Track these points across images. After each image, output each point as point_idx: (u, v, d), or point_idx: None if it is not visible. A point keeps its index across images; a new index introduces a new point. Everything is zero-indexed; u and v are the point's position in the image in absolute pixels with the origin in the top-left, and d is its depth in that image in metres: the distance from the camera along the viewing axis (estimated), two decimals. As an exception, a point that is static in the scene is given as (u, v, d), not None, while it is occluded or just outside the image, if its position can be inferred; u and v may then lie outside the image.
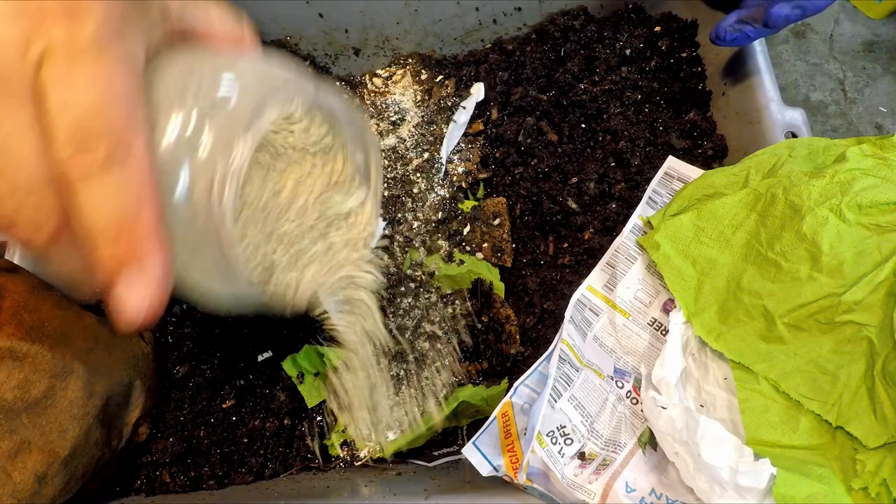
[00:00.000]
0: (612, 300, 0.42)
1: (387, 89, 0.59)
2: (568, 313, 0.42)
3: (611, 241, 0.45)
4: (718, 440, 0.31)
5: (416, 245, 0.51)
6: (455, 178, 0.54)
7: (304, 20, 0.59)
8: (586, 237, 0.49)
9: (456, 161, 0.55)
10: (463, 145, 0.56)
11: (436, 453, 0.46)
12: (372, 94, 0.59)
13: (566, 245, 0.50)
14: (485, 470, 0.38)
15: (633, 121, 0.53)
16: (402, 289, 0.50)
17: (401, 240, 0.52)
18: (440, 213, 0.52)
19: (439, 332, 0.49)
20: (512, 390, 0.41)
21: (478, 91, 0.57)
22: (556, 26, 0.59)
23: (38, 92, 0.18)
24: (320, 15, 0.59)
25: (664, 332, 0.40)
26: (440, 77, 0.59)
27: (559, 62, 0.57)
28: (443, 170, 0.54)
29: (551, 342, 0.42)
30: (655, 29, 0.56)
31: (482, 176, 0.54)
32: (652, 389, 0.36)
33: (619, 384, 0.40)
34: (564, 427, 0.38)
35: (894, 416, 0.31)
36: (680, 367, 0.36)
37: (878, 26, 0.91)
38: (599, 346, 0.42)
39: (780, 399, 0.34)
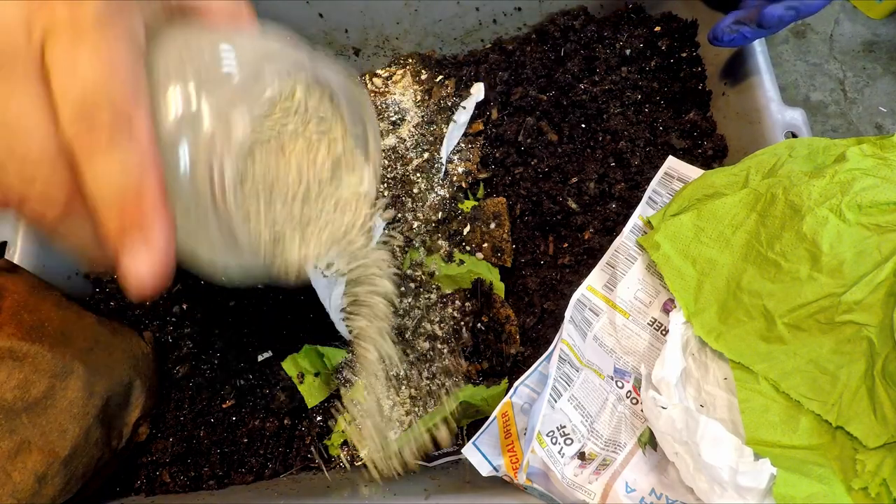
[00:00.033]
0: (612, 300, 0.42)
1: (387, 89, 0.59)
2: (568, 313, 0.42)
3: (611, 241, 0.45)
4: (718, 440, 0.31)
5: (416, 245, 0.51)
6: (455, 178, 0.54)
7: (304, 20, 0.59)
8: (586, 237, 0.49)
9: (456, 161, 0.55)
10: (463, 145, 0.56)
11: (436, 453, 0.46)
12: (372, 95, 0.59)
13: (566, 245, 0.50)
14: (485, 470, 0.38)
15: (633, 121, 0.53)
16: (402, 289, 0.50)
17: (401, 240, 0.52)
18: (440, 213, 0.52)
19: (439, 332, 0.49)
20: (512, 390, 0.41)
21: (478, 91, 0.57)
22: (556, 26, 0.59)
23: (44, 71, 0.18)
24: (320, 15, 0.59)
25: (664, 332, 0.40)
26: (440, 77, 0.59)
27: (559, 62, 0.57)
28: (443, 170, 0.54)
29: (551, 342, 0.42)
30: (655, 29, 0.56)
31: (482, 176, 0.54)
32: (652, 389, 0.36)
33: (619, 384, 0.40)
34: (564, 427, 0.38)
35: (894, 416, 0.31)
36: (680, 367, 0.36)
37: (878, 26, 0.91)
38: (599, 346, 0.42)
39: (780, 399, 0.34)
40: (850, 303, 0.33)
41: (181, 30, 0.23)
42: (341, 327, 0.49)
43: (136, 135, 0.19)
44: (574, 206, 0.50)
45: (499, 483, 0.39)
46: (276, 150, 0.26)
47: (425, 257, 0.51)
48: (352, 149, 0.29)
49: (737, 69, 0.49)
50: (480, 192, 0.55)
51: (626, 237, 0.44)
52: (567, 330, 0.41)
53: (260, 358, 0.49)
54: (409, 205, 0.53)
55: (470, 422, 0.47)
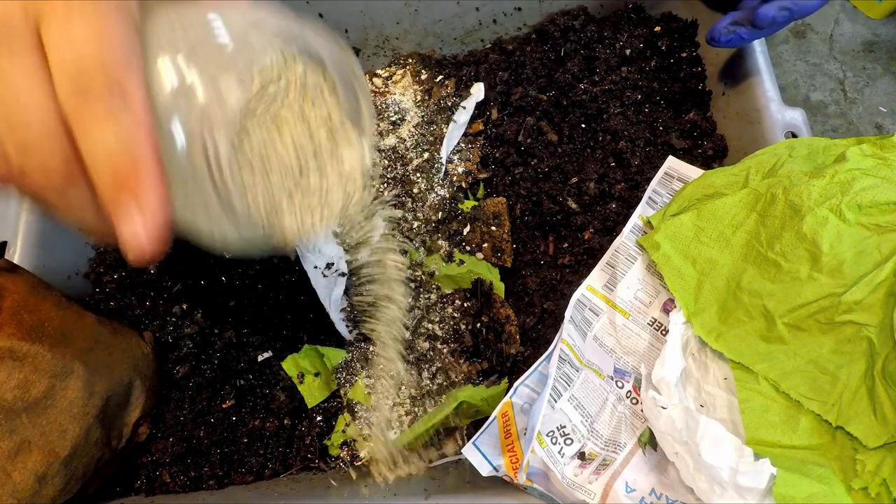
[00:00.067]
0: (612, 300, 0.42)
1: (387, 89, 0.59)
2: (568, 313, 0.42)
3: (611, 241, 0.45)
4: (718, 440, 0.31)
5: (416, 245, 0.51)
6: (455, 178, 0.54)
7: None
8: (586, 237, 0.49)
9: (456, 161, 0.55)
10: (463, 145, 0.56)
11: (436, 454, 0.46)
12: (372, 94, 0.59)
13: (566, 245, 0.50)
14: (485, 470, 0.38)
15: (633, 121, 0.53)
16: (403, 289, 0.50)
17: (401, 239, 0.52)
18: (440, 213, 0.52)
19: (439, 332, 0.49)
20: (512, 390, 0.41)
21: (478, 91, 0.57)
22: (556, 26, 0.59)
23: (40, 46, 0.19)
24: (320, 15, 0.59)
25: (664, 332, 0.40)
26: (440, 77, 0.59)
27: (559, 62, 0.57)
28: (443, 170, 0.54)
29: (551, 342, 0.42)
30: (655, 29, 0.56)
31: (482, 176, 0.54)
32: (652, 389, 0.36)
33: (619, 384, 0.40)
34: (564, 427, 0.38)
35: (894, 416, 0.31)
36: (680, 367, 0.36)
37: (878, 26, 0.91)
38: (599, 346, 0.42)
39: (780, 399, 0.34)
40: (850, 303, 0.33)
41: (174, 3, 0.23)
42: (341, 327, 0.49)
43: (130, 100, 0.19)
44: (574, 206, 0.50)
45: (499, 483, 0.39)
46: (269, 121, 0.26)
47: (425, 257, 0.51)
48: (345, 120, 0.29)
49: (737, 69, 0.49)
50: (480, 192, 0.55)
51: (626, 237, 0.44)
52: (567, 330, 0.41)
53: (260, 358, 0.49)
54: (409, 205, 0.53)
55: (470, 422, 0.47)
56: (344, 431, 0.47)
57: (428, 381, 0.47)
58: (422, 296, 0.50)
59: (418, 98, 0.58)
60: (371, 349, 0.49)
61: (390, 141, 0.55)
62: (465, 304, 0.49)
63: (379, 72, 0.61)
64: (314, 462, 0.46)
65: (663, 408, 0.34)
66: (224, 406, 0.47)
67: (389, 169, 0.54)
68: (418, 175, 0.54)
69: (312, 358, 0.49)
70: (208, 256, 0.51)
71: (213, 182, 0.23)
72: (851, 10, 0.92)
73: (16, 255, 0.48)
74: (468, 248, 0.51)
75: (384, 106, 0.57)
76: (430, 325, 0.49)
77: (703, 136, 0.51)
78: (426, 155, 0.54)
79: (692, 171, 0.45)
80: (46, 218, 0.50)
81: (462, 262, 0.50)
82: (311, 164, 0.28)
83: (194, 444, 0.46)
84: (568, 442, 0.38)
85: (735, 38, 0.44)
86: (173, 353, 0.49)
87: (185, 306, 0.50)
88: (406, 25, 0.61)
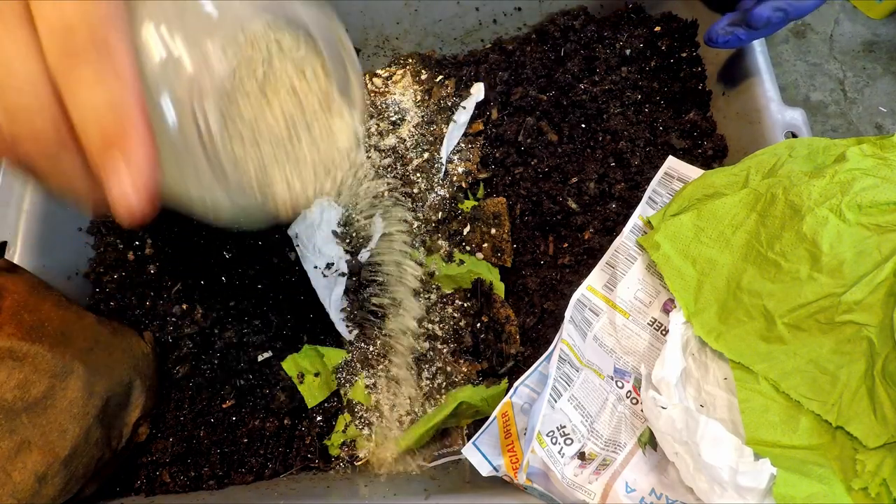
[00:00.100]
0: (612, 300, 0.42)
1: (387, 89, 0.59)
2: (568, 313, 0.42)
3: (611, 241, 0.45)
4: (718, 440, 0.31)
5: (416, 245, 0.51)
6: (455, 178, 0.54)
7: (304, 20, 0.59)
8: (586, 237, 0.49)
9: (456, 161, 0.55)
10: (463, 145, 0.56)
11: (436, 453, 0.46)
12: (372, 94, 0.59)
13: (566, 245, 0.50)
14: (485, 470, 0.38)
15: (633, 121, 0.53)
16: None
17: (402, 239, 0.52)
18: (440, 213, 0.52)
19: (439, 332, 0.49)
20: (512, 390, 0.41)
21: (478, 91, 0.57)
22: (556, 26, 0.59)
23: (28, 14, 0.19)
24: (320, 15, 0.59)
25: (664, 332, 0.40)
26: (440, 77, 0.59)
27: (559, 62, 0.57)
28: (443, 170, 0.54)
29: (551, 342, 0.42)
30: (655, 29, 0.56)
31: (482, 176, 0.54)
32: (652, 389, 0.36)
33: (619, 384, 0.40)
34: (564, 427, 0.38)
35: (894, 416, 0.31)
36: (680, 367, 0.36)
37: (878, 26, 0.91)
38: (599, 346, 0.42)
39: (780, 399, 0.34)
40: (850, 303, 0.33)
41: None
42: (341, 327, 0.49)
43: (116, 58, 0.20)
44: (574, 206, 0.50)
45: (499, 483, 0.39)
46: (257, 90, 0.26)
47: (425, 257, 0.51)
48: (334, 89, 0.29)
49: (737, 69, 0.49)
50: (480, 192, 0.55)
51: (626, 237, 0.44)
52: (567, 330, 0.41)
53: (260, 358, 0.49)
54: (409, 205, 0.53)
55: (470, 422, 0.47)
56: (344, 431, 0.47)
57: (428, 382, 0.47)
58: (422, 296, 0.50)
59: (418, 98, 0.58)
60: (371, 349, 0.49)
61: (390, 141, 0.55)
62: (465, 304, 0.49)
63: (379, 72, 0.61)
64: (314, 462, 0.46)
65: (663, 408, 0.34)
66: (224, 406, 0.47)
67: (389, 169, 0.54)
68: (418, 175, 0.54)
69: (312, 358, 0.49)
70: (208, 256, 0.51)
71: (203, 149, 0.23)
72: (851, 10, 0.92)
73: (16, 255, 0.48)
74: (468, 248, 0.51)
75: (384, 106, 0.57)
76: (430, 325, 0.49)
77: (703, 136, 0.51)
78: (426, 155, 0.54)
79: (692, 171, 0.45)
80: (46, 218, 0.50)
81: (462, 262, 0.50)
82: (302, 134, 0.28)
83: (194, 444, 0.46)
84: (568, 442, 0.38)
85: (732, 38, 0.44)
86: (173, 353, 0.49)
87: (185, 306, 0.50)
88: (406, 25, 0.61)
